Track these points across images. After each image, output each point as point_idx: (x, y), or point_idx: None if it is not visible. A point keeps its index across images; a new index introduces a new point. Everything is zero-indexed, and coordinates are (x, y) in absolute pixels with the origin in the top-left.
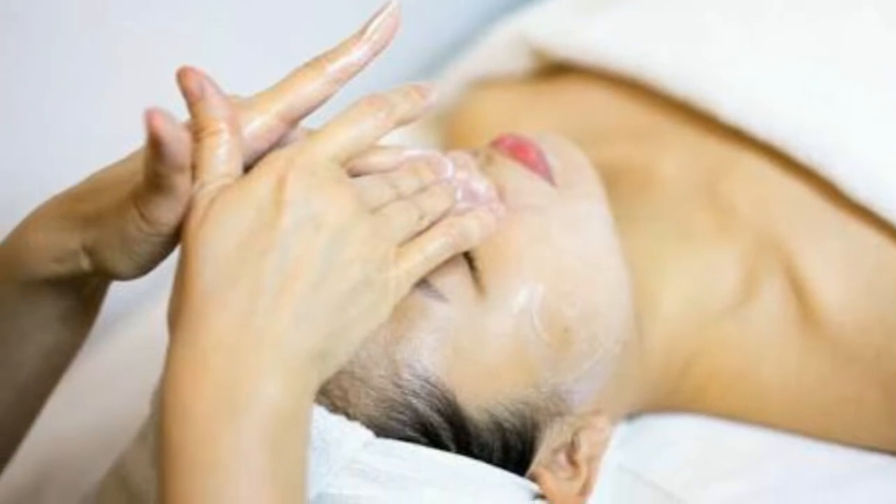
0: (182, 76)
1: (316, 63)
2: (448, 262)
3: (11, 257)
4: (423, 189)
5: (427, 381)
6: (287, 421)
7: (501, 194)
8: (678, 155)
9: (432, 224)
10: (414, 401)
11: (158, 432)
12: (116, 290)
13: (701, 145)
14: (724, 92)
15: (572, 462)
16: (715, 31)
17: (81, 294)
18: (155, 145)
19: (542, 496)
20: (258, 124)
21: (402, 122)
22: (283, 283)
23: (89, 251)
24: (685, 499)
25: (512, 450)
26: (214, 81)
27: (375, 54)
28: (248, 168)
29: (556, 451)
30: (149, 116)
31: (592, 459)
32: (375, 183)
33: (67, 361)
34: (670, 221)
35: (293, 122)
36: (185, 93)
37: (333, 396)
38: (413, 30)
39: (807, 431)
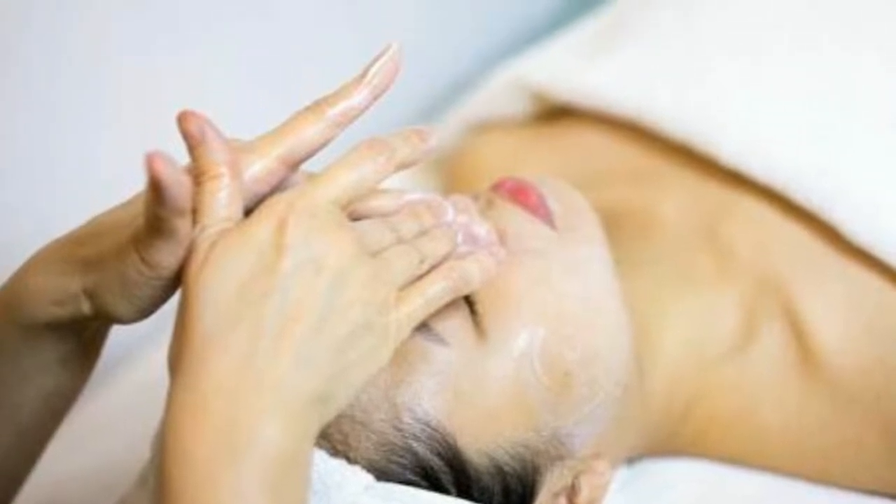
0: (183, 120)
1: (316, 107)
2: (448, 306)
3: (12, 300)
4: (423, 233)
5: (428, 424)
6: (287, 464)
7: (502, 238)
8: (678, 198)
9: (433, 268)
10: (414, 444)
11: (159, 476)
12: (117, 333)
13: (701, 188)
14: (723, 135)
15: None
16: (715, 73)
17: (82, 337)
18: (155, 189)
19: None
20: (259, 168)
21: (402, 166)
22: (284, 326)
23: (90, 295)
24: None
25: (512, 493)
26: (215, 125)
27: (376, 98)
28: (248, 211)
29: (556, 495)
30: (149, 160)
31: (593, 503)
32: (376, 226)
33: (68, 405)
34: (670, 264)
35: (294, 165)
36: (186, 136)
37: (334, 440)
38: (413, 73)
39: (807, 475)
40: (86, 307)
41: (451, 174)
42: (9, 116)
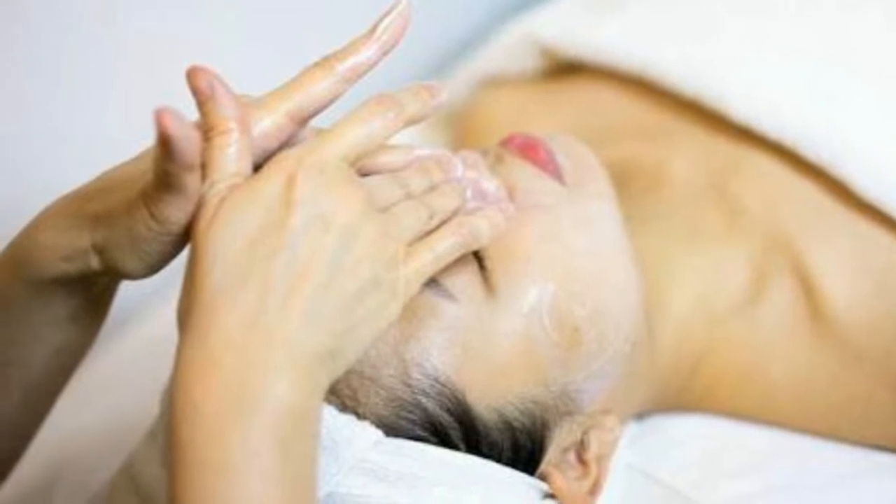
0: (192, 75)
1: (325, 62)
2: (457, 262)
3: (21, 257)
4: (432, 188)
5: (437, 380)
6: (297, 420)
7: (511, 194)
8: (688, 154)
9: (442, 223)
10: (423, 400)
11: (168, 432)
12: (126, 289)
13: (711, 144)
14: (733, 91)
15: (582, 461)
16: (724, 29)
17: (91, 293)
18: (165, 144)
19: (551, 495)
20: (268, 123)
21: (411, 122)
22: (293, 282)
23: (99, 250)
24: (694, 497)
25: (521, 449)
26: (224, 80)
27: (385, 54)
28: (257, 167)
29: (565, 451)
30: (159, 116)
31: (602, 459)
32: (385, 182)
33: (77, 360)
34: (680, 221)
35: (303, 121)
36: (195, 92)
37: (343, 396)
38: (423, 29)
39: (815, 430)
40: (95, 263)
41: (460, 130)
42: (17, 78)
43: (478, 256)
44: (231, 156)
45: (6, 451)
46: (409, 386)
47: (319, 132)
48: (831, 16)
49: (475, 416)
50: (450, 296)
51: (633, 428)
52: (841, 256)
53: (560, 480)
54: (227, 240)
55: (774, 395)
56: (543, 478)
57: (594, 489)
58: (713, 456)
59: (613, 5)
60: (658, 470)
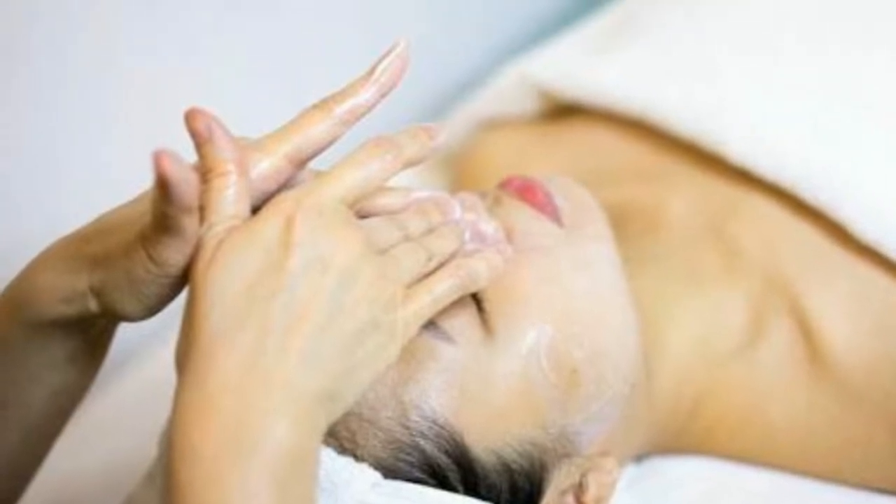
0: (190, 118)
1: (323, 105)
2: (456, 304)
3: (20, 298)
4: (431, 230)
5: (435, 422)
6: (295, 462)
7: (509, 236)
8: (686, 196)
9: (440, 265)
10: (422, 442)
11: (166, 474)
12: (124, 331)
13: (709, 186)
14: (731, 133)
15: (580, 503)
16: (723, 71)
17: (89, 335)
18: (163, 186)
19: None
20: (266, 166)
21: (409, 164)
22: (291, 324)
23: (97, 292)
24: None
25: (520, 491)
26: (222, 122)
27: (383, 96)
28: (256, 209)
29: (564, 493)
30: (157, 158)
31: (601, 501)
32: (383, 224)
33: (75, 402)
34: (678, 262)
35: (301, 163)
36: (193, 134)
37: (341, 438)
38: (421, 71)
39: (815, 473)
40: (93, 305)
41: (458, 172)
42: (16, 117)
43: (476, 298)
44: (229, 198)
45: (4, 493)
46: (408, 428)
47: (318, 174)
48: (835, 55)
49: (473, 459)
50: (448, 338)
51: (631, 470)
52: (839, 298)
53: None
54: (225, 282)
55: (774, 438)
56: None
57: None
58: (712, 498)
59: (612, 47)
60: None
